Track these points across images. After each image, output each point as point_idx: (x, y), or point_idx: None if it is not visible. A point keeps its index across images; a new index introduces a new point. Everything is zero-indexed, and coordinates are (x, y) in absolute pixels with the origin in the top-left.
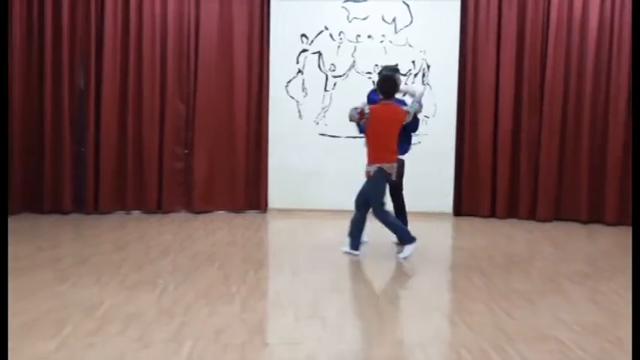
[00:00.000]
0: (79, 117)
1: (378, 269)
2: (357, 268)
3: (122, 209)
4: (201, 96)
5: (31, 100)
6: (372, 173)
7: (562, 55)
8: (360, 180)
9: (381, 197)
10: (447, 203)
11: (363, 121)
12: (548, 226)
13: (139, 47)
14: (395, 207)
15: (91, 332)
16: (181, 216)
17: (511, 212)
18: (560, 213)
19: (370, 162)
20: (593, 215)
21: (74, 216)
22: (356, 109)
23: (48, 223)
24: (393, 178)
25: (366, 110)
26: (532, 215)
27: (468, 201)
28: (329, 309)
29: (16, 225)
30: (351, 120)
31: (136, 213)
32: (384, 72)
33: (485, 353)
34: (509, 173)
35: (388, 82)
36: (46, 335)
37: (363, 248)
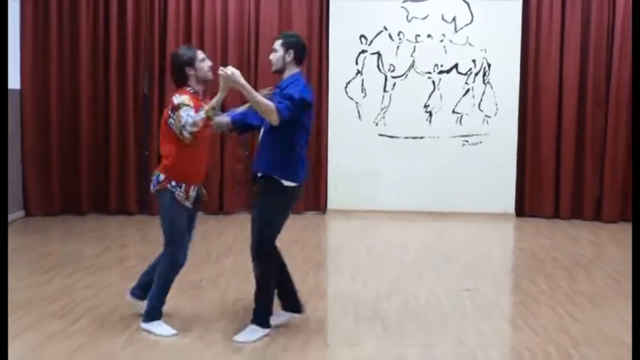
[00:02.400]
0: (143, 121)
1: (440, 271)
2: (417, 270)
3: None
4: None
5: (97, 105)
6: None
7: (628, 52)
8: (419, 181)
9: None
10: (509, 204)
11: None
12: (614, 227)
13: (200, 45)
14: None
15: None
16: (242, 217)
17: (575, 213)
18: (626, 214)
19: None
20: None
21: (139, 217)
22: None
23: (114, 223)
24: None
25: None
26: (597, 216)
27: (531, 201)
28: (389, 310)
29: (83, 225)
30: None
31: (198, 214)
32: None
33: (548, 356)
34: (573, 173)
35: None
36: (114, 332)
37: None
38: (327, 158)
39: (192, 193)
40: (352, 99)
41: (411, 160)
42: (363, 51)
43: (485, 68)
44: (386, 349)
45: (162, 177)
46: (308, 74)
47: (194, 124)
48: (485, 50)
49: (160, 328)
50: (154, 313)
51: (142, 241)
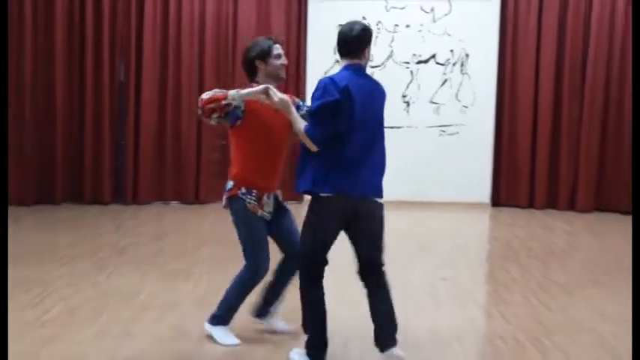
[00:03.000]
0: (118, 110)
1: (416, 260)
2: (392, 259)
3: (161, 200)
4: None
5: (72, 93)
6: None
7: (604, 41)
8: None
9: None
10: (485, 194)
11: None
12: (588, 216)
13: (177, 42)
14: None
15: (128, 320)
16: (219, 206)
17: (550, 203)
18: (600, 204)
19: None
20: None
21: (114, 207)
22: None
23: (89, 213)
24: None
25: None
26: (571, 206)
27: (507, 191)
28: (363, 298)
29: (57, 215)
30: None
31: (174, 204)
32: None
33: (520, 345)
34: (549, 163)
35: None
36: (85, 323)
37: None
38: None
39: (268, 200)
40: None
41: (389, 149)
42: None
43: (463, 59)
44: (361, 336)
45: (231, 184)
46: (286, 66)
47: (208, 95)
48: (463, 41)
49: (223, 334)
50: (221, 318)
51: (116, 232)
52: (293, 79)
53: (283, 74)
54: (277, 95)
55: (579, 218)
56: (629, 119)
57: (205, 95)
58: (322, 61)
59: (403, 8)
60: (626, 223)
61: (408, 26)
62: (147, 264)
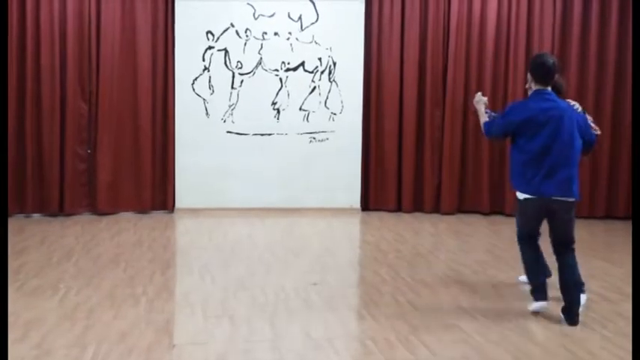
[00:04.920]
0: None
1: (288, 266)
2: (265, 265)
3: (21, 212)
4: (104, 95)
5: None
6: None
7: (463, 50)
8: (268, 178)
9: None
10: (355, 199)
11: None
12: (451, 218)
13: (36, 46)
14: None
15: None
16: (85, 218)
17: (416, 206)
18: (463, 205)
19: None
20: (495, 206)
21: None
22: None
23: None
24: None
25: None
26: (436, 208)
27: (375, 196)
28: (237, 307)
29: None
30: None
31: (36, 216)
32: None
33: (390, 344)
34: (414, 168)
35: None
36: None
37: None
38: (174, 156)
39: None
40: (199, 96)
41: (260, 157)
42: (210, 47)
43: (330, 67)
44: (234, 346)
45: None
46: (153, 71)
47: None
48: (330, 49)
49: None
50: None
51: None
52: (161, 84)
53: None
54: None
55: (443, 220)
56: None
57: None
58: (191, 67)
59: (271, 16)
60: (486, 223)
61: (276, 34)
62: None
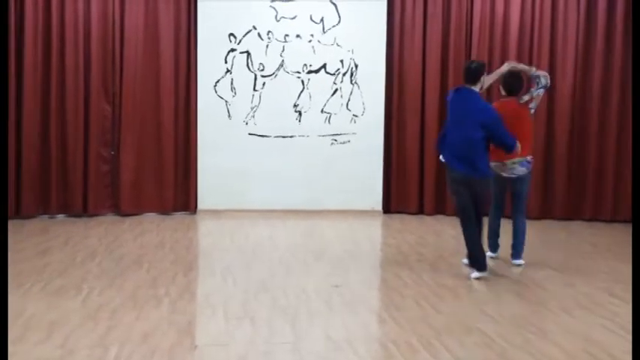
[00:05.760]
0: None
1: (309, 268)
2: (286, 267)
3: (45, 213)
4: (127, 96)
5: None
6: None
7: (485, 50)
8: (289, 180)
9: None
10: (376, 201)
11: None
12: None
13: (61, 47)
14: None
15: (13, 341)
16: (108, 219)
17: (438, 208)
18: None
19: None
20: None
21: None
22: None
23: None
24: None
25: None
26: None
27: (397, 198)
28: (259, 308)
29: None
30: None
31: (60, 217)
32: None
33: (412, 348)
34: (436, 170)
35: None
36: None
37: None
38: (196, 158)
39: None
40: (222, 98)
41: (281, 159)
42: (232, 49)
43: (352, 68)
44: (255, 348)
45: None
46: (176, 73)
47: None
48: (352, 51)
49: None
50: None
51: None
52: (184, 86)
53: None
54: None
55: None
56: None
57: None
58: (214, 69)
59: (293, 18)
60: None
61: (298, 36)
62: (30, 281)
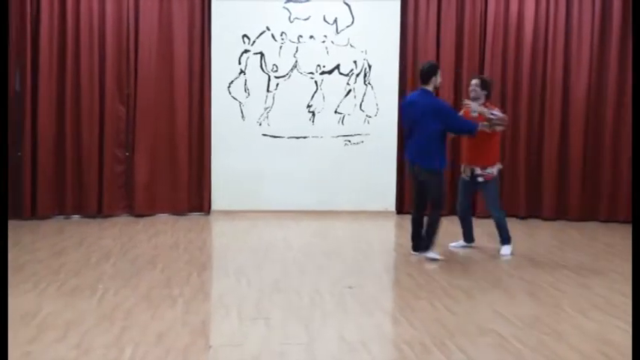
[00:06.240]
0: (14, 120)
1: (322, 269)
2: (300, 268)
3: (61, 214)
4: (142, 98)
5: None
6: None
7: (499, 51)
8: (303, 180)
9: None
10: (390, 202)
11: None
12: (487, 222)
13: (76, 48)
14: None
15: (29, 340)
16: (122, 220)
17: (451, 209)
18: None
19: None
20: (531, 210)
21: (11, 222)
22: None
23: None
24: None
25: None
26: (473, 212)
27: (410, 199)
28: (272, 309)
29: None
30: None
31: (75, 217)
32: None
33: (426, 349)
34: (449, 171)
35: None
36: None
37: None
38: (210, 159)
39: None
40: (235, 99)
41: (295, 159)
42: (246, 51)
43: (365, 69)
44: (268, 348)
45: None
46: (189, 74)
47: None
48: (365, 52)
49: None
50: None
51: (13, 248)
52: (197, 87)
53: None
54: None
55: (480, 223)
56: (525, 129)
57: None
58: (227, 70)
59: (307, 19)
60: (523, 227)
61: (311, 37)
62: (46, 281)
